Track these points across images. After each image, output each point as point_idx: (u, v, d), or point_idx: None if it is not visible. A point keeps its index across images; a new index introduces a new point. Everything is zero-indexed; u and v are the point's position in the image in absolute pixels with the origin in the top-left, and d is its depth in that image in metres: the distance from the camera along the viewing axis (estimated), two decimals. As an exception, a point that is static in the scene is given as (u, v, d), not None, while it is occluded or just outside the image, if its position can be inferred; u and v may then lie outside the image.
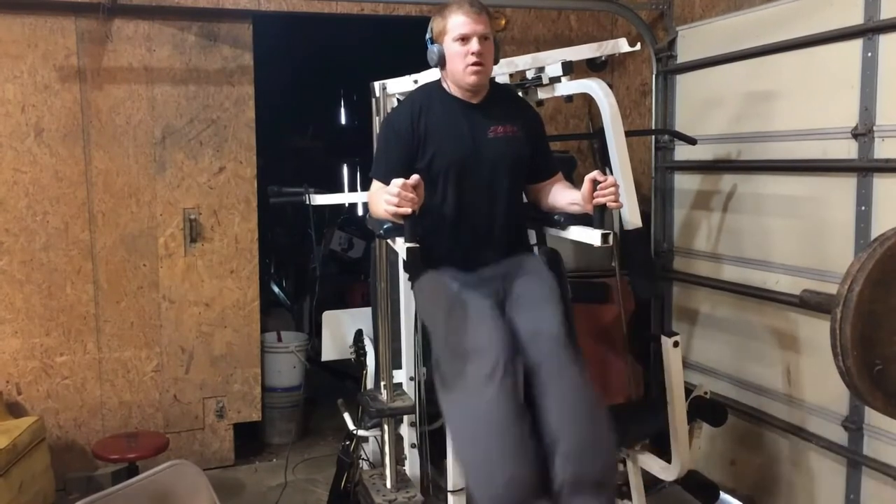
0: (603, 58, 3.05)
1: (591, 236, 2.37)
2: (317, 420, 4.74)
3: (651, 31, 3.96)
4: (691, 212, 3.83)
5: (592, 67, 3.09)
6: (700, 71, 3.71)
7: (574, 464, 2.08)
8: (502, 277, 2.43)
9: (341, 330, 3.80)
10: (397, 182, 2.20)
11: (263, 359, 4.25)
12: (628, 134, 2.86)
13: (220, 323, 4.06)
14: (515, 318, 2.30)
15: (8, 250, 3.69)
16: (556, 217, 2.57)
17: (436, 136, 2.47)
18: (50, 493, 3.52)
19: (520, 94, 2.96)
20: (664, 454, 2.95)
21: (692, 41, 3.76)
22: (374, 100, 3.23)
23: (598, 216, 2.32)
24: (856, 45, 2.83)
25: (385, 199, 2.22)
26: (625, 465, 3.11)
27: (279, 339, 4.61)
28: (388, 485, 3.20)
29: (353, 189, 7.69)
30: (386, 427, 3.24)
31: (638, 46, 2.95)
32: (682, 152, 3.86)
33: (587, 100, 4.12)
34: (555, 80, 2.83)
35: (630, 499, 3.11)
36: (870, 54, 2.78)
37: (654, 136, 4.00)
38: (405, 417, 3.18)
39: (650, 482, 3.14)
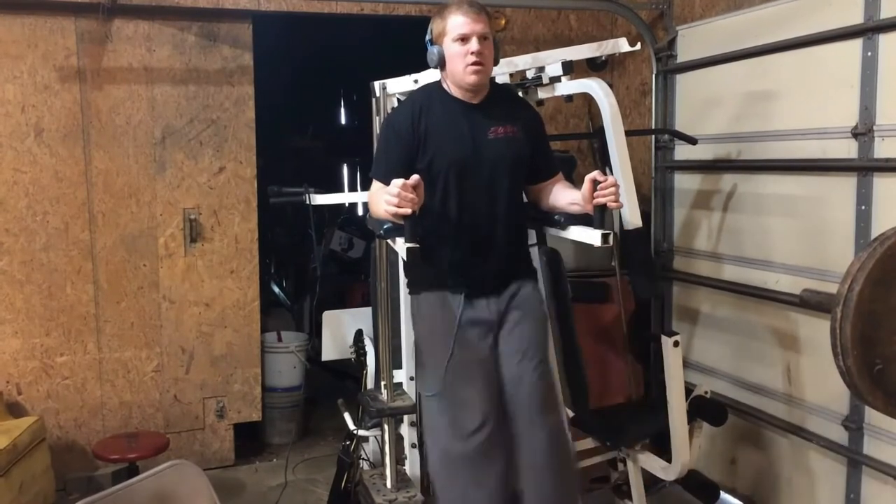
0: (603, 57, 3.06)
1: (591, 236, 2.37)
2: (317, 420, 4.74)
3: (651, 31, 3.96)
4: (691, 211, 3.83)
5: (592, 67, 3.09)
6: (700, 70, 3.71)
7: None
8: (497, 314, 2.51)
9: (341, 330, 3.80)
10: (397, 182, 2.20)
11: (264, 359, 4.25)
12: (628, 133, 2.86)
13: (220, 323, 4.06)
14: (503, 354, 2.49)
15: (8, 250, 3.69)
16: (556, 217, 2.57)
17: (436, 137, 2.47)
18: (50, 493, 3.52)
19: (520, 93, 2.96)
20: (664, 454, 2.95)
21: (692, 41, 3.77)
22: (374, 100, 3.23)
23: (598, 216, 2.32)
24: (856, 45, 2.83)
25: (385, 199, 2.22)
26: (625, 464, 3.12)
27: (279, 339, 4.61)
28: (389, 485, 3.20)
29: (353, 189, 7.69)
30: (386, 427, 3.24)
31: (638, 46, 2.95)
32: (682, 152, 3.86)
33: (587, 99, 4.12)
34: (555, 79, 2.83)
35: (630, 498, 3.11)
36: (869, 54, 2.78)
37: (654, 136, 4.00)
38: (405, 417, 3.18)
39: (650, 482, 3.15)
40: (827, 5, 2.95)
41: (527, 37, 4.31)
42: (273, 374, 4.41)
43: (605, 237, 2.32)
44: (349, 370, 4.20)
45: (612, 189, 2.27)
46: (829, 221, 2.99)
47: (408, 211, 2.20)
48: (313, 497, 3.82)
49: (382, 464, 3.31)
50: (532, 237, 2.88)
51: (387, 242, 3.04)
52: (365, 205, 2.81)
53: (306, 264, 6.03)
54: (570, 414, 3.07)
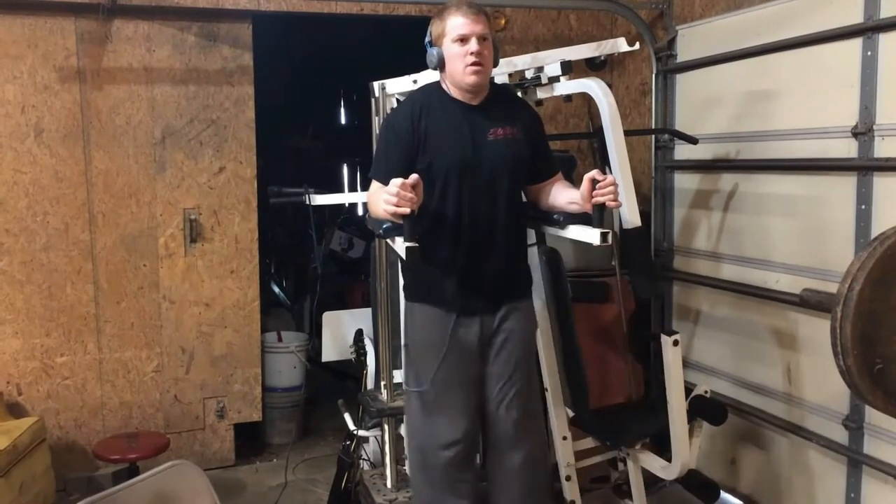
0: (602, 57, 3.05)
1: (590, 235, 2.38)
2: (317, 420, 4.74)
3: (651, 31, 3.96)
4: (691, 211, 3.83)
5: (591, 67, 3.09)
6: (700, 70, 3.71)
7: None
8: (487, 335, 2.56)
9: (342, 330, 3.80)
10: (396, 182, 2.20)
11: (264, 359, 4.25)
12: (628, 133, 2.86)
13: (220, 323, 4.06)
14: (488, 375, 2.58)
15: (8, 251, 3.69)
16: (555, 216, 2.57)
17: (436, 138, 2.47)
18: (50, 493, 3.52)
19: (519, 94, 2.96)
20: (664, 453, 2.95)
21: (692, 40, 3.76)
22: (373, 100, 3.24)
23: (597, 215, 2.32)
24: (855, 44, 2.82)
25: (384, 198, 2.22)
26: (625, 463, 3.12)
27: (279, 339, 4.61)
28: (389, 484, 3.20)
29: (353, 189, 7.69)
30: (386, 427, 3.24)
31: (637, 46, 2.95)
32: (682, 152, 3.86)
33: (587, 99, 4.11)
34: (554, 79, 2.83)
35: (630, 498, 3.11)
36: (869, 53, 2.77)
37: (654, 136, 4.00)
38: (405, 417, 3.18)
39: (650, 481, 3.15)
40: (827, 5, 2.95)
41: (527, 37, 4.31)
42: (273, 374, 4.41)
43: (603, 236, 2.32)
44: (349, 370, 4.20)
45: (611, 188, 2.28)
46: (829, 221, 2.99)
47: (407, 210, 2.20)
48: (313, 497, 3.82)
49: (382, 464, 3.32)
50: (531, 237, 2.89)
51: (386, 242, 3.05)
52: (365, 205, 2.82)
53: (306, 264, 6.03)
54: (571, 414, 3.08)
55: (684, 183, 3.89)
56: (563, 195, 2.55)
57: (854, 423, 2.90)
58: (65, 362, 3.82)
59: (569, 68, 2.78)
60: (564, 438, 3.06)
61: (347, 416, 3.52)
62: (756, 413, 3.40)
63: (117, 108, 3.80)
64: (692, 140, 3.58)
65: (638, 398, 3.70)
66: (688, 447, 2.79)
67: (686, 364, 3.53)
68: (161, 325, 3.96)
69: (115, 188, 3.83)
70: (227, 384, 4.11)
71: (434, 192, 2.45)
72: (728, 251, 3.56)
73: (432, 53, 2.48)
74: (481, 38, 2.41)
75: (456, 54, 2.42)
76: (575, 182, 2.66)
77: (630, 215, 2.59)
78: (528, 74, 2.93)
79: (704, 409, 2.87)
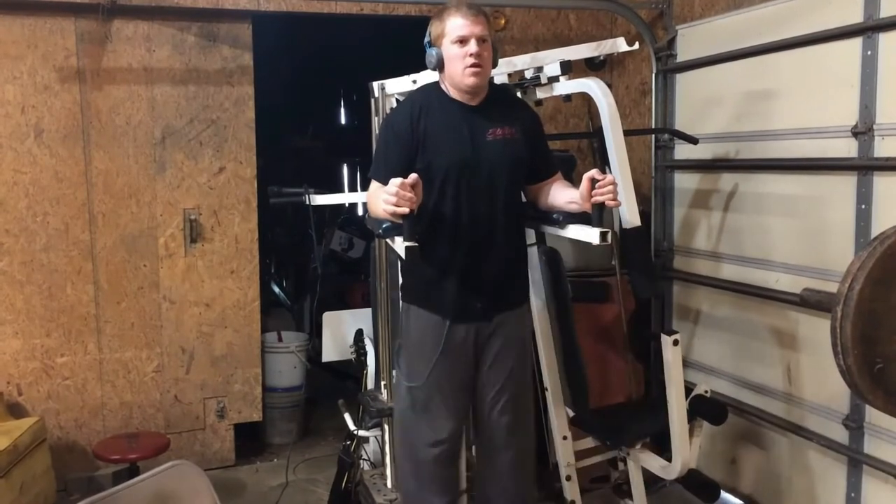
0: (601, 57, 3.05)
1: (589, 234, 2.38)
2: (317, 420, 4.74)
3: (650, 30, 3.96)
4: (691, 211, 3.83)
5: (591, 67, 3.09)
6: (700, 70, 3.70)
7: None
8: (481, 342, 2.58)
9: (342, 330, 3.80)
10: (395, 181, 2.20)
11: (264, 359, 4.25)
12: (628, 133, 2.86)
13: (220, 323, 4.06)
14: (481, 383, 2.62)
15: (8, 251, 3.69)
16: (554, 216, 2.57)
17: (435, 139, 2.47)
18: (51, 493, 3.53)
19: (519, 94, 2.96)
20: (665, 453, 2.95)
21: (692, 40, 3.76)
22: (373, 100, 3.24)
23: (596, 214, 2.32)
24: (855, 44, 2.82)
25: (383, 198, 2.23)
26: (625, 463, 3.12)
27: (280, 340, 4.61)
28: (389, 484, 3.20)
29: (353, 189, 7.69)
30: (387, 427, 3.24)
31: (637, 46, 2.95)
32: (682, 151, 3.86)
33: (587, 99, 4.10)
34: (553, 79, 2.83)
35: (631, 497, 3.11)
36: (869, 53, 2.77)
37: (654, 136, 4.00)
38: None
39: (651, 481, 3.14)
40: (826, 4, 2.95)
41: (526, 36, 4.31)
42: (273, 375, 4.41)
43: (603, 235, 2.32)
44: (350, 370, 4.20)
45: (611, 187, 2.28)
46: (829, 220, 2.99)
47: (406, 210, 2.21)
48: (314, 497, 3.82)
49: (383, 464, 3.32)
50: (531, 236, 2.89)
51: (386, 242, 3.05)
52: (365, 205, 2.82)
53: (306, 264, 6.03)
54: (571, 413, 3.08)
55: (684, 183, 3.89)
56: (562, 195, 2.55)
57: (854, 423, 2.90)
58: (65, 362, 3.82)
59: (568, 68, 2.78)
60: (564, 438, 3.07)
61: (348, 416, 3.52)
62: (756, 413, 3.40)
63: (117, 109, 3.80)
64: (692, 140, 3.58)
65: (638, 398, 3.70)
66: (688, 447, 2.79)
67: (686, 364, 3.53)
68: (161, 326, 3.96)
69: (115, 188, 3.83)
70: (228, 384, 4.11)
71: (433, 193, 2.46)
72: (728, 251, 3.56)
73: (431, 54, 2.48)
74: (480, 40, 2.41)
75: (455, 55, 2.42)
76: (575, 182, 2.66)
77: (630, 215, 2.59)
78: (528, 74, 2.93)
79: (705, 408, 2.87)
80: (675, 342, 2.72)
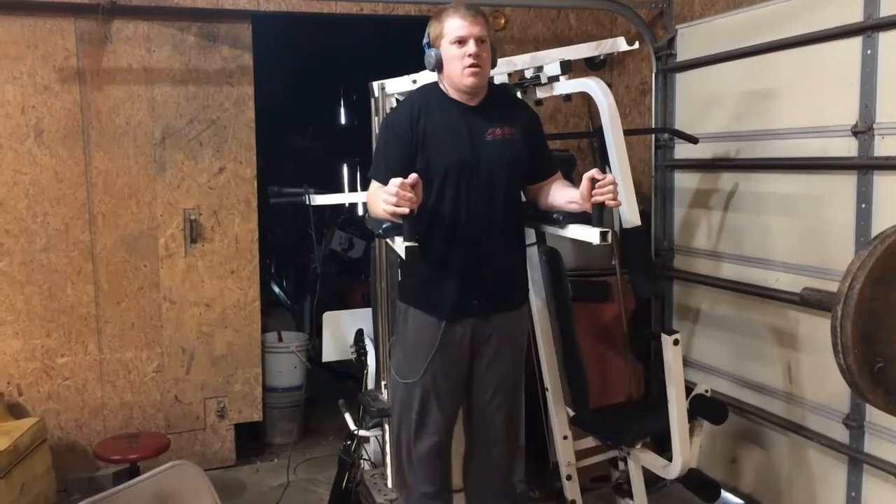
0: (601, 57, 3.05)
1: (589, 234, 2.38)
2: (318, 420, 4.74)
3: (650, 30, 3.96)
4: (691, 210, 3.83)
5: (591, 66, 3.09)
6: (700, 69, 3.70)
7: None
8: (478, 342, 2.59)
9: (342, 330, 3.80)
10: (395, 181, 2.20)
11: (264, 359, 4.25)
12: (628, 132, 2.86)
13: (220, 323, 4.06)
14: (475, 383, 2.65)
15: (8, 251, 3.69)
16: (554, 215, 2.57)
17: (434, 139, 2.47)
18: (51, 494, 3.53)
19: (518, 93, 2.96)
20: (665, 452, 2.95)
21: (692, 39, 3.76)
22: (373, 100, 3.24)
23: (596, 214, 2.32)
24: (855, 43, 2.82)
25: (383, 198, 2.23)
26: (626, 463, 3.12)
27: (280, 340, 4.61)
28: (389, 484, 3.20)
29: (353, 189, 7.68)
30: (387, 427, 3.24)
31: (637, 45, 2.95)
32: (682, 151, 3.86)
33: (587, 98, 4.10)
34: (553, 79, 2.83)
35: (631, 497, 3.11)
36: (869, 52, 2.77)
37: (654, 135, 4.00)
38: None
39: (651, 480, 3.14)
40: (826, 4, 2.95)
41: (526, 36, 4.31)
42: (274, 374, 4.41)
43: (603, 235, 2.32)
44: (350, 370, 4.20)
45: (611, 187, 2.28)
46: (829, 220, 2.99)
47: (406, 210, 2.21)
48: (314, 497, 3.82)
49: (383, 463, 3.32)
50: (531, 236, 2.89)
51: (386, 242, 3.05)
52: (365, 205, 2.82)
53: (306, 264, 6.03)
54: (571, 413, 3.08)
55: (684, 182, 3.89)
56: (562, 194, 2.55)
57: (855, 422, 2.90)
58: (65, 363, 3.82)
59: (568, 68, 2.78)
60: (565, 438, 3.07)
61: (348, 416, 3.52)
62: (756, 412, 3.40)
63: (117, 109, 3.80)
64: (692, 139, 3.58)
65: (638, 397, 3.70)
66: (688, 446, 2.79)
67: (686, 363, 3.53)
68: (161, 326, 3.96)
69: (116, 189, 3.83)
70: (228, 384, 4.11)
71: (433, 193, 2.46)
72: (728, 250, 3.56)
73: (430, 55, 2.48)
74: (479, 40, 2.41)
75: (454, 56, 2.42)
76: (575, 181, 2.66)
77: (630, 214, 2.59)
78: (528, 74, 2.93)
79: (705, 408, 2.87)
80: (676, 342, 2.72)
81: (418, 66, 2.72)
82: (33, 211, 3.71)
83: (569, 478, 3.07)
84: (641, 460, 3.01)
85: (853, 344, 1.98)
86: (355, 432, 3.46)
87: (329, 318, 3.83)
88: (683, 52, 3.82)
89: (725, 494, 3.43)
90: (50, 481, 3.53)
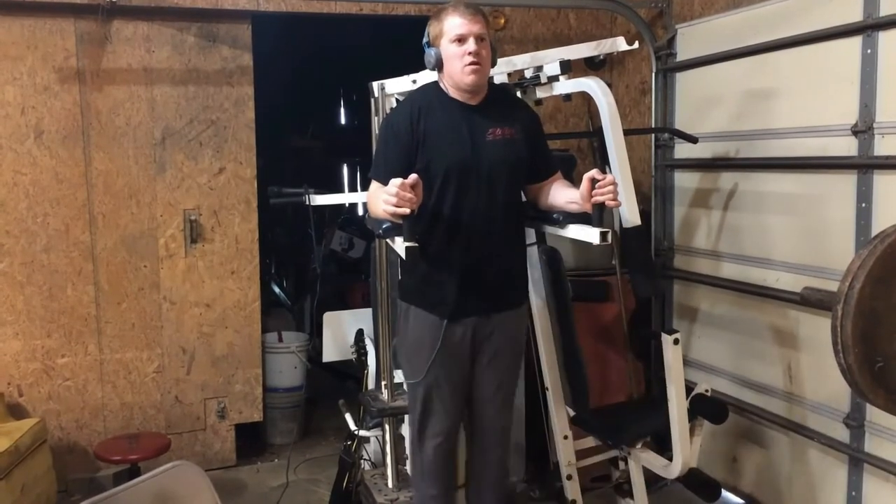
0: (601, 56, 3.06)
1: (589, 234, 2.38)
2: (318, 420, 4.74)
3: (650, 30, 3.96)
4: (691, 210, 3.83)
5: (591, 66, 3.10)
6: (700, 69, 3.70)
7: None
8: (478, 340, 2.60)
9: (342, 330, 3.80)
10: (395, 182, 2.20)
11: (264, 359, 4.25)
12: (628, 132, 2.86)
13: (221, 323, 4.06)
14: (477, 381, 2.66)
15: (8, 252, 3.69)
16: (554, 215, 2.57)
17: (435, 138, 2.47)
18: (52, 494, 3.53)
19: (518, 93, 2.96)
20: (665, 452, 2.95)
21: (692, 39, 3.76)
22: (373, 100, 3.23)
23: (596, 214, 2.32)
24: (855, 42, 2.82)
25: (383, 198, 2.23)
26: (626, 463, 3.12)
27: (280, 340, 4.61)
28: (390, 484, 3.20)
29: (353, 189, 7.69)
30: (387, 427, 3.24)
31: (637, 45, 2.95)
32: (682, 150, 3.86)
33: (587, 98, 4.10)
34: (553, 79, 2.83)
35: (632, 497, 3.11)
36: (869, 51, 2.77)
37: (653, 135, 4.00)
38: (406, 417, 3.18)
39: (651, 480, 3.14)
40: (826, 3, 2.95)
41: (526, 36, 4.31)
42: (274, 375, 4.41)
43: (603, 235, 2.32)
44: (350, 370, 4.20)
45: (611, 187, 2.28)
46: (829, 219, 2.99)
47: (406, 210, 2.21)
48: (315, 497, 3.82)
49: (384, 464, 3.32)
50: (531, 236, 2.89)
51: (387, 242, 3.05)
52: (365, 205, 2.83)
53: (307, 264, 6.03)
54: (571, 413, 3.08)
55: (684, 182, 3.89)
56: (562, 194, 2.55)
57: (855, 422, 2.90)
58: (66, 363, 3.82)
59: (568, 67, 2.78)
60: (565, 437, 3.07)
61: (348, 416, 3.52)
62: (757, 412, 3.40)
63: (117, 109, 3.80)
64: (692, 139, 3.58)
65: (638, 397, 3.70)
66: (689, 446, 2.79)
67: (686, 363, 3.53)
68: (162, 326, 3.96)
69: (116, 189, 3.83)
70: (228, 384, 4.11)
71: (433, 192, 2.46)
72: (728, 250, 3.56)
73: (430, 54, 2.48)
74: (479, 38, 2.41)
75: (454, 54, 2.42)
76: (575, 181, 2.66)
77: (630, 214, 2.59)
78: (528, 74, 2.93)
79: (705, 407, 2.87)
80: (676, 341, 2.72)
81: (418, 66, 2.72)
82: (33, 211, 3.71)
83: (569, 477, 3.07)
84: (642, 460, 3.01)
85: (853, 343, 1.98)
86: (356, 432, 3.46)
87: (329, 318, 3.83)
88: (683, 52, 3.82)
89: (726, 494, 3.44)
90: (50, 482, 3.53)
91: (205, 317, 4.02)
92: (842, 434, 2.97)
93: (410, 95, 2.73)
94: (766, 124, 3.28)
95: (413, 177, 2.23)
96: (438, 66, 2.48)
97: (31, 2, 3.60)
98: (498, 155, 2.50)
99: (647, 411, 3.18)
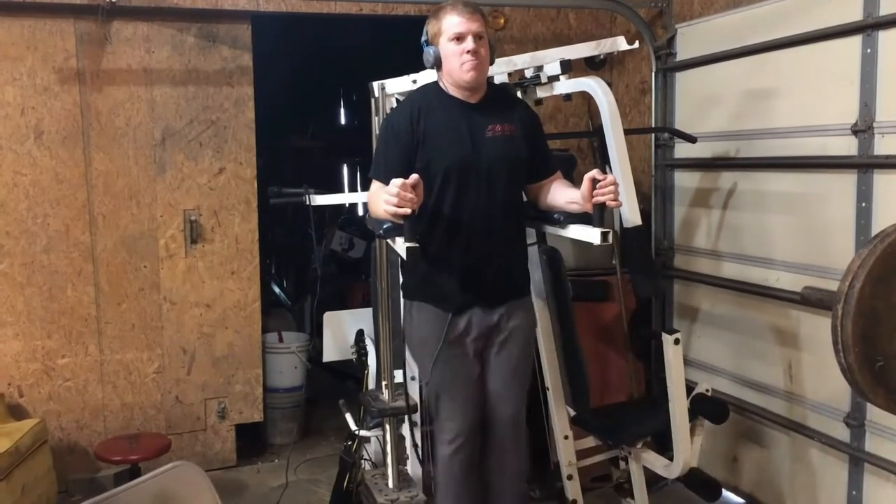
0: (601, 56, 3.06)
1: (590, 235, 2.38)
2: (318, 420, 4.74)
3: (650, 29, 3.96)
4: (691, 209, 3.83)
5: (591, 66, 3.10)
6: (699, 68, 3.70)
7: None
8: (486, 332, 2.59)
9: (342, 330, 3.80)
10: (396, 182, 2.21)
11: (265, 359, 4.25)
12: (628, 132, 2.86)
13: (221, 324, 4.06)
14: (490, 372, 2.64)
15: (9, 253, 3.69)
16: (555, 215, 2.57)
17: (435, 137, 2.48)
18: (52, 495, 3.53)
19: (518, 93, 2.96)
20: (666, 452, 2.95)
21: (691, 39, 3.76)
22: (373, 100, 3.23)
23: (597, 215, 2.32)
24: (855, 42, 2.82)
25: (384, 198, 2.23)
26: (627, 462, 3.12)
27: (280, 340, 4.61)
28: (391, 485, 3.20)
29: (353, 189, 7.69)
30: (388, 427, 3.24)
31: (636, 44, 2.95)
32: (682, 150, 3.86)
33: (587, 98, 4.11)
34: (553, 78, 2.83)
35: (632, 496, 3.11)
36: (869, 50, 2.77)
37: (653, 134, 4.00)
38: (406, 417, 3.18)
39: (652, 480, 3.15)
40: (826, 2, 2.95)
41: (526, 36, 4.31)
42: (274, 375, 4.41)
43: (604, 235, 2.32)
44: (350, 370, 4.20)
45: (612, 188, 2.28)
46: (829, 218, 2.99)
47: (407, 210, 2.21)
48: (315, 497, 3.82)
49: (384, 464, 3.31)
50: (532, 236, 2.89)
51: (387, 242, 3.04)
52: (365, 205, 2.83)
53: (307, 264, 6.03)
54: (572, 413, 3.08)
55: (684, 181, 3.89)
56: (562, 194, 2.55)
57: (855, 421, 2.90)
58: (66, 364, 3.82)
59: (568, 67, 2.78)
60: (566, 437, 3.07)
61: (349, 417, 3.52)
62: (757, 411, 3.40)
63: (117, 110, 3.80)
64: (691, 139, 3.58)
65: (639, 397, 3.70)
66: (689, 445, 2.79)
67: (687, 362, 3.53)
68: (162, 327, 3.96)
69: (116, 190, 3.83)
70: (229, 385, 4.11)
71: (433, 192, 2.46)
72: (728, 249, 3.56)
73: (429, 52, 2.49)
74: (477, 36, 2.42)
75: (452, 52, 2.43)
76: (575, 181, 2.66)
77: (630, 214, 2.59)
78: (528, 73, 2.93)
79: (706, 407, 2.87)
80: (676, 341, 2.72)
81: (418, 66, 2.72)
82: (33, 212, 3.71)
83: (570, 477, 3.07)
84: (642, 460, 3.02)
85: (854, 342, 1.98)
86: (356, 432, 3.46)
87: (329, 318, 3.83)
88: (683, 52, 3.82)
89: (726, 493, 3.43)
90: (51, 482, 3.53)
91: (205, 317, 4.02)
92: (842, 433, 2.97)
93: (410, 95, 2.73)
94: (766, 124, 3.28)
95: (414, 177, 2.24)
96: (437, 64, 2.48)
97: (31, 2, 3.60)
98: (497, 151, 2.50)
99: (647, 411, 3.18)
